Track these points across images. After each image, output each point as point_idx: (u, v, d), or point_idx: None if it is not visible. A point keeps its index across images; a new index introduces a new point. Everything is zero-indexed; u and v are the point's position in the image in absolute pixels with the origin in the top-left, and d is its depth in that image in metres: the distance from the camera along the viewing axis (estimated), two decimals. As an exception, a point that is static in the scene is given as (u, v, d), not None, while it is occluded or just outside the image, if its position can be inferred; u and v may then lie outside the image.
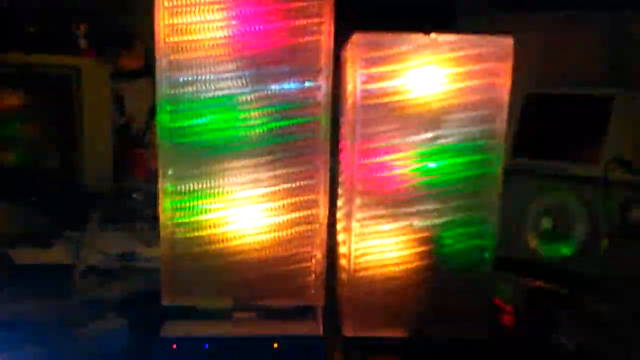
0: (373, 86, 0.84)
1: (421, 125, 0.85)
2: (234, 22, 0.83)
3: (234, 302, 0.88)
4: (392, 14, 1.10)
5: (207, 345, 0.81)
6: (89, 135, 1.49)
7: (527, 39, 1.38)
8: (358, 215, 0.87)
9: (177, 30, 0.81)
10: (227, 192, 0.86)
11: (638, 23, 1.38)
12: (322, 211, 0.87)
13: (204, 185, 0.85)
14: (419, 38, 0.84)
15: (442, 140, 0.86)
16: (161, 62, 0.82)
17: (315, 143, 0.86)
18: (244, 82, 0.83)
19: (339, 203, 0.97)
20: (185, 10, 0.81)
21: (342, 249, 0.93)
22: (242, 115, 0.84)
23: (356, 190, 0.86)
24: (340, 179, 0.96)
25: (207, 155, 0.84)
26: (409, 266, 0.89)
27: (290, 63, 0.84)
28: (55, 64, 1.47)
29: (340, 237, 0.96)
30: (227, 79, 0.83)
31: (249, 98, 0.84)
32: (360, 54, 0.83)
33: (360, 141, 0.85)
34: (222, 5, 0.82)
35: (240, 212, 0.86)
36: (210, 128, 0.84)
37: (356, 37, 0.83)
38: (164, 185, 0.85)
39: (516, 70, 0.85)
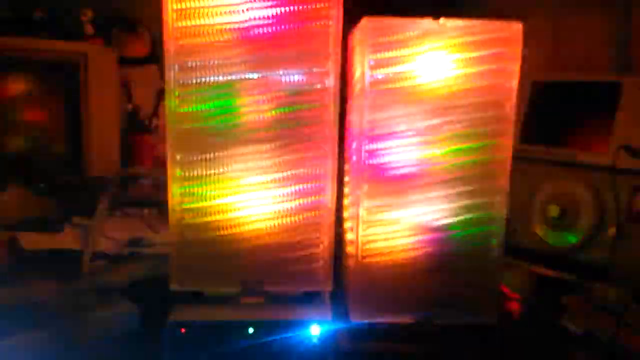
0: (381, 71, 0.84)
1: (429, 111, 0.85)
2: (241, 7, 0.82)
3: (242, 288, 0.89)
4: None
5: (215, 330, 0.82)
6: (96, 121, 1.49)
7: (535, 25, 1.38)
8: (365, 202, 0.87)
9: (185, 15, 0.81)
10: (236, 178, 0.86)
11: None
12: (330, 197, 0.88)
13: (213, 171, 0.85)
14: (427, 23, 0.83)
15: (451, 126, 0.85)
16: (169, 46, 0.82)
17: (323, 129, 0.86)
18: (252, 67, 0.83)
19: (347, 190, 0.97)
20: (193, -5, 0.81)
21: (349, 236, 0.93)
22: (250, 101, 0.84)
23: (364, 177, 0.86)
24: (348, 166, 0.96)
25: (216, 140, 0.85)
26: (416, 253, 0.89)
27: (298, 48, 0.83)
28: (63, 50, 1.47)
29: (347, 224, 0.96)
30: (235, 64, 0.83)
31: (257, 83, 0.84)
32: (369, 39, 0.82)
33: (368, 127, 0.85)
34: (230, -10, 0.82)
35: (248, 198, 0.87)
36: (219, 113, 0.84)
37: (365, 22, 0.83)
38: (173, 170, 0.85)
39: (524, 55, 0.84)
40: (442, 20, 0.83)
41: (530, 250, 1.24)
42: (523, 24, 0.84)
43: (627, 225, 1.11)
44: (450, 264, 0.89)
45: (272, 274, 0.89)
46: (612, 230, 1.12)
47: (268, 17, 0.83)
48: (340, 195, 0.94)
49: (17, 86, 1.46)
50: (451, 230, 0.88)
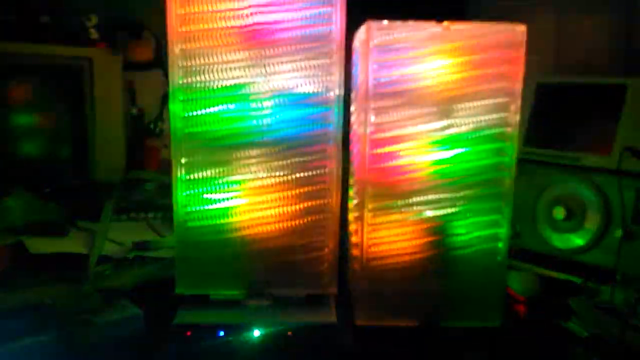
0: (385, 75, 0.84)
1: (434, 114, 0.85)
2: (246, 11, 0.83)
3: (247, 291, 0.89)
4: (403, 2, 1.09)
5: (220, 333, 0.82)
6: (101, 125, 1.50)
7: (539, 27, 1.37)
8: (370, 205, 0.87)
9: (189, 19, 0.82)
10: (240, 181, 0.86)
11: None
12: (335, 200, 0.88)
13: (217, 174, 0.86)
14: (431, 26, 0.83)
15: (455, 129, 0.85)
16: (173, 51, 0.82)
17: (327, 132, 0.86)
18: (256, 71, 0.84)
19: (351, 192, 0.97)
20: (198, 0, 0.82)
21: (354, 239, 0.93)
22: (254, 105, 0.85)
23: (368, 180, 0.86)
24: (352, 169, 0.96)
25: (220, 144, 0.85)
26: (421, 256, 0.89)
27: (302, 52, 0.84)
28: (68, 55, 1.48)
29: (352, 227, 0.96)
30: (239, 68, 0.83)
31: (261, 87, 0.84)
32: (372, 42, 0.82)
33: (372, 130, 0.85)
34: (234, -6, 0.82)
35: (253, 201, 0.87)
36: (223, 117, 0.84)
37: (368, 26, 0.83)
38: (178, 174, 0.85)
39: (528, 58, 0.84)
40: (445, 23, 0.83)
41: (536, 253, 1.24)
42: (527, 26, 0.84)
43: (633, 226, 1.11)
44: (456, 266, 0.89)
45: (277, 277, 0.89)
46: (618, 232, 1.11)
47: (272, 21, 0.83)
48: (345, 198, 0.94)
49: (23, 91, 1.47)
50: (456, 233, 0.88)
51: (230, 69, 0.84)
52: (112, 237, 1.19)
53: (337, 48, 0.84)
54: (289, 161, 0.87)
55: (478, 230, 0.88)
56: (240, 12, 0.83)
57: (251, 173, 0.86)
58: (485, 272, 0.89)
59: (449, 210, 0.87)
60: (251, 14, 0.83)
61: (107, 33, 1.64)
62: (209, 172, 0.85)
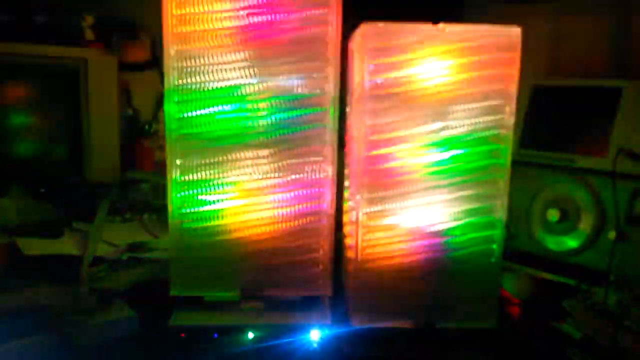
0: (381, 77, 0.84)
1: (429, 116, 0.85)
2: (241, 13, 0.83)
3: (242, 293, 0.89)
4: (399, 4, 1.10)
5: (216, 335, 0.82)
6: (97, 126, 1.49)
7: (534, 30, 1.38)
8: (365, 207, 0.87)
9: (184, 20, 0.82)
10: (235, 183, 0.86)
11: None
12: (330, 202, 0.88)
13: (212, 176, 0.85)
14: (427, 28, 0.84)
15: (450, 131, 0.85)
16: (169, 52, 0.82)
17: (323, 134, 0.86)
18: (252, 72, 0.84)
19: (346, 194, 0.97)
20: (193, 1, 0.82)
21: (349, 241, 0.93)
22: (249, 106, 0.85)
23: (363, 182, 0.86)
24: (348, 171, 0.96)
25: (215, 145, 0.85)
26: (416, 257, 0.89)
27: (297, 54, 0.84)
28: (63, 55, 1.47)
29: (347, 229, 0.96)
30: (234, 69, 0.83)
31: (256, 88, 0.84)
32: (368, 44, 0.82)
33: (368, 132, 0.85)
34: (230, -4, 0.82)
35: (248, 202, 0.87)
36: (218, 118, 0.84)
37: (364, 28, 0.83)
38: (172, 175, 0.85)
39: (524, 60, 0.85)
40: (441, 25, 0.83)
41: (530, 255, 1.24)
42: (522, 28, 0.84)
43: (627, 228, 1.11)
44: (450, 268, 0.89)
45: (272, 279, 0.89)
46: (611, 234, 1.12)
47: (267, 23, 0.83)
48: (340, 200, 0.94)
49: (18, 91, 1.46)
50: (451, 235, 0.88)
51: (226, 70, 0.84)
52: (107, 238, 1.19)
53: (332, 49, 0.84)
54: (284, 163, 0.87)
55: (473, 231, 0.88)
56: (236, 13, 0.83)
57: (246, 175, 0.86)
58: (480, 273, 0.89)
59: (444, 212, 0.87)
60: (247, 15, 0.83)
61: (103, 33, 1.64)
62: (203, 174, 0.85)
